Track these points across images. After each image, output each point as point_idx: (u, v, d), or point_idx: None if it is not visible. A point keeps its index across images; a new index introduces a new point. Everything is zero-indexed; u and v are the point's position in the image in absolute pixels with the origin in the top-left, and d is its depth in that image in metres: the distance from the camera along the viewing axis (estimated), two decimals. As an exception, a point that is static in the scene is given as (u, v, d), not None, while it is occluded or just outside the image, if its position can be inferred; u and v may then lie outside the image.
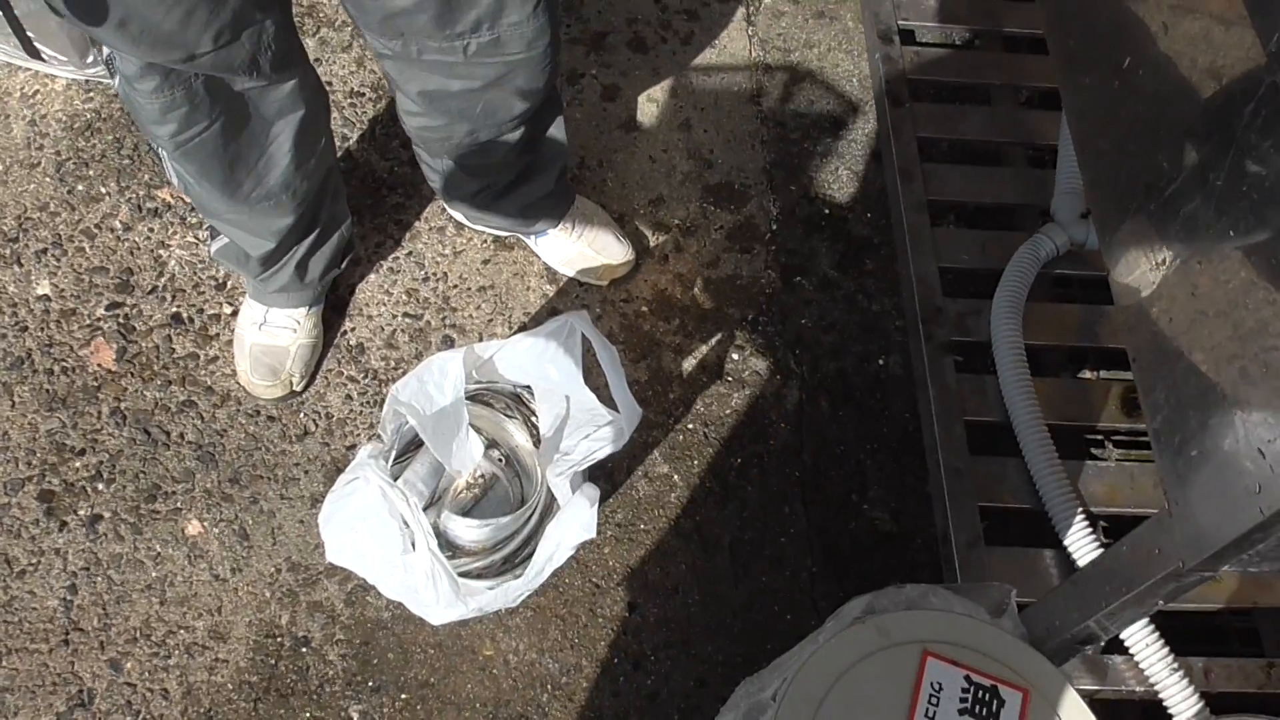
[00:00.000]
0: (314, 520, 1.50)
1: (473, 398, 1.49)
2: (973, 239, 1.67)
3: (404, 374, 1.58)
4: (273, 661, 1.44)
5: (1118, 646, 1.32)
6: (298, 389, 1.60)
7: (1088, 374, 1.64)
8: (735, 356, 1.68)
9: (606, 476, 1.56)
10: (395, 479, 1.33)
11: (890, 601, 1.14)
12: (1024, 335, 1.50)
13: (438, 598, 1.21)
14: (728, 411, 1.64)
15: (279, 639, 1.46)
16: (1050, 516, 1.38)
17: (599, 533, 1.51)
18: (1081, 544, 1.33)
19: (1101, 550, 1.33)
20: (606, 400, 1.37)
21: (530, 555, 1.44)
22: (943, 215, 1.77)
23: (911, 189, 1.69)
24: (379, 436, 1.34)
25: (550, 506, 1.47)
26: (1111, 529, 1.45)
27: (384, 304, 1.69)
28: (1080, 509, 1.35)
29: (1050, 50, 1.09)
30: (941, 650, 1.05)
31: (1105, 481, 1.43)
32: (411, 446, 1.51)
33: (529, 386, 1.48)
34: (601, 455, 1.34)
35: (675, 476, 1.59)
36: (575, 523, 1.25)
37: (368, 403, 1.62)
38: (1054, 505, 1.37)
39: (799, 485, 1.59)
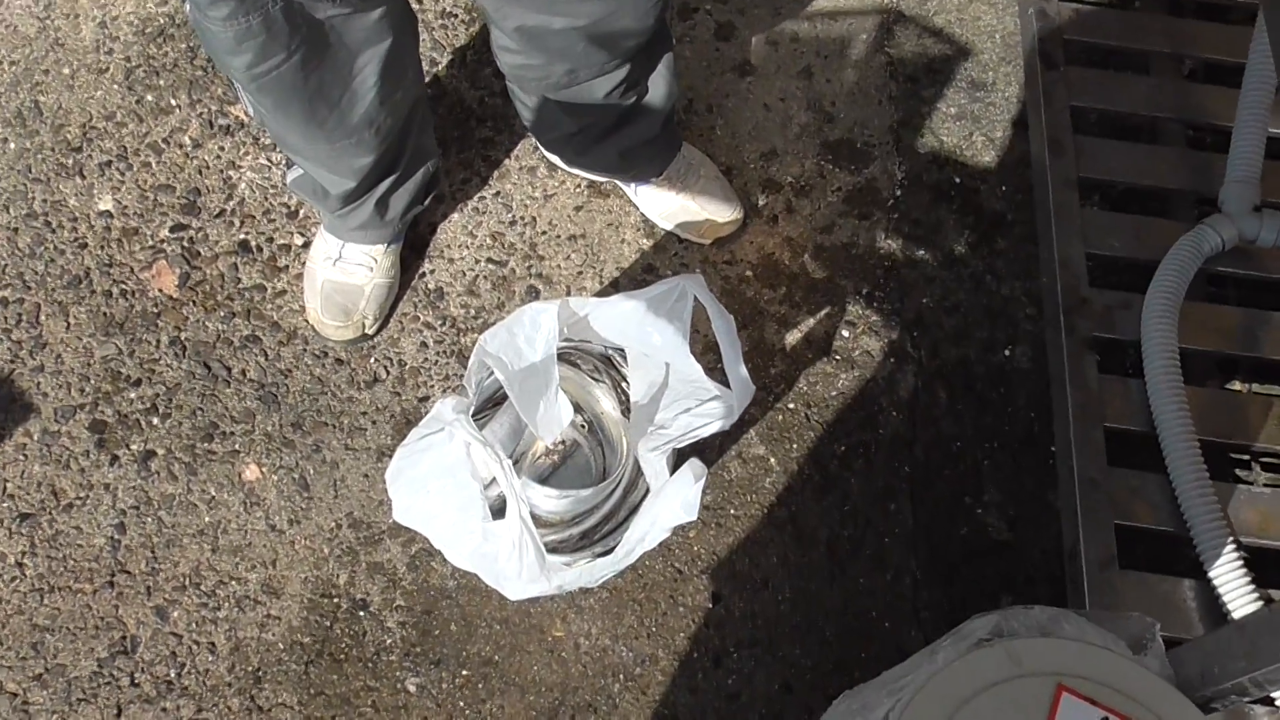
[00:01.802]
0: (380, 475, 1.49)
1: (560, 356, 1.46)
2: (1126, 224, 1.59)
3: (484, 324, 1.58)
4: (327, 623, 1.44)
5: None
6: (370, 332, 1.58)
7: (1238, 385, 1.56)
8: (845, 334, 1.63)
9: (696, 454, 1.53)
10: (473, 439, 1.31)
11: (1020, 624, 1.09)
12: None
13: (521, 570, 1.19)
14: (833, 393, 1.59)
15: (335, 599, 1.45)
16: (1195, 543, 1.32)
17: None
18: (1232, 579, 1.27)
19: (1253, 588, 1.27)
20: (710, 374, 1.33)
21: (609, 532, 1.42)
22: (1089, 195, 1.70)
23: (1061, 163, 1.61)
24: (463, 389, 1.31)
25: (635, 482, 1.44)
26: (1258, 560, 1.38)
27: (467, 247, 1.67)
28: (1231, 539, 1.29)
29: None
30: (1078, 686, 1.00)
31: (1258, 508, 1.37)
32: (489, 404, 1.49)
33: (622, 350, 1.45)
34: (705, 433, 1.31)
35: (772, 460, 1.55)
36: (675, 501, 1.22)
37: (444, 352, 1.59)
38: (1201, 531, 1.30)
39: (907, 481, 1.55)
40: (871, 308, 1.66)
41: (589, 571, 1.26)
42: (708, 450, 1.55)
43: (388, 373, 1.58)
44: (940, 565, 1.50)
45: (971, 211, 1.74)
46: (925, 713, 0.98)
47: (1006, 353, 1.63)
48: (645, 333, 1.31)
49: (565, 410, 1.35)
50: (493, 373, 1.41)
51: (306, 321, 1.60)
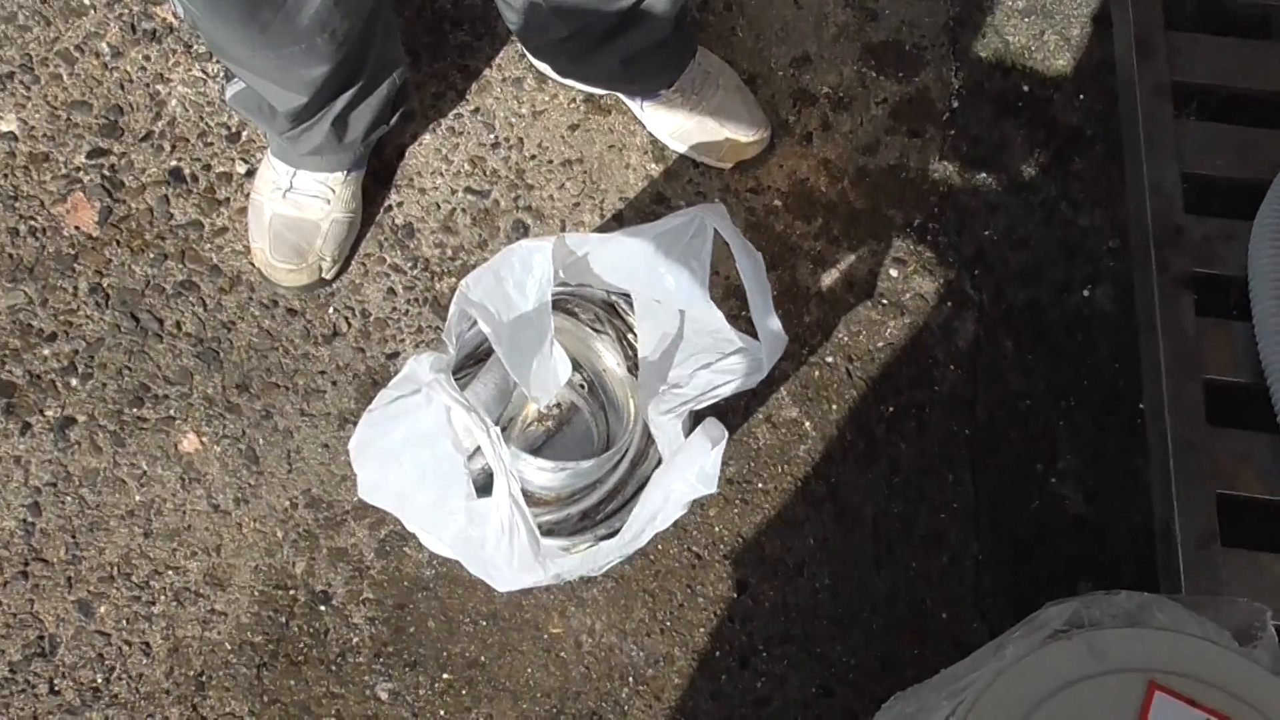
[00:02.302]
0: (342, 445, 1.51)
1: (555, 303, 1.46)
2: (1230, 138, 1.58)
3: (462, 266, 1.58)
4: (283, 619, 1.45)
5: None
6: (328, 276, 1.58)
7: (1363, 329, 1.56)
8: (894, 273, 1.64)
9: (717, 417, 1.53)
10: (452, 401, 1.32)
11: (1103, 612, 1.10)
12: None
13: (512, 557, 1.20)
14: (880, 344, 1.60)
15: (292, 591, 1.46)
16: (1312, 516, 1.32)
17: None
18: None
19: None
20: (733, 323, 1.33)
21: (614, 511, 1.43)
22: (1185, 104, 1.69)
23: (1151, 66, 1.60)
24: (440, 343, 1.32)
25: (645, 452, 1.45)
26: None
27: (441, 174, 1.67)
28: (1356, 509, 1.29)
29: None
30: (1173, 684, 1.01)
31: (1385, 476, 1.37)
32: (471, 361, 1.50)
33: (628, 296, 1.45)
34: (727, 393, 1.31)
35: (807, 423, 1.56)
36: (690, 472, 1.22)
37: (416, 300, 1.60)
38: (1320, 501, 1.31)
39: (968, 447, 1.56)
40: (924, 242, 1.65)
41: (591, 557, 1.27)
42: (730, 413, 1.55)
43: (349, 324, 1.58)
44: (1007, 545, 1.51)
45: (1042, 126, 1.73)
46: (991, 717, 0.99)
47: (1085, 293, 1.64)
48: (656, 275, 1.31)
49: (562, 367, 1.35)
50: (475, 324, 1.41)
51: (252, 264, 1.60)
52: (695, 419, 1.43)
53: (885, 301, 1.62)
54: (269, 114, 1.47)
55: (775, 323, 1.29)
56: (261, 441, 1.52)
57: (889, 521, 1.52)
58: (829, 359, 1.59)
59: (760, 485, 1.53)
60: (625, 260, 1.33)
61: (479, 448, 1.36)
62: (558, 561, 1.25)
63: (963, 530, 1.52)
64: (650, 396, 1.37)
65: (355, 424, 1.38)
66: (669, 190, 1.67)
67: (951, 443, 1.56)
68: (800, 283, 1.62)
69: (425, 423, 1.26)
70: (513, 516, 1.17)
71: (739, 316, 1.55)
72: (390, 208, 1.65)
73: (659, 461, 1.40)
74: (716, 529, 1.51)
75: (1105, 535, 1.52)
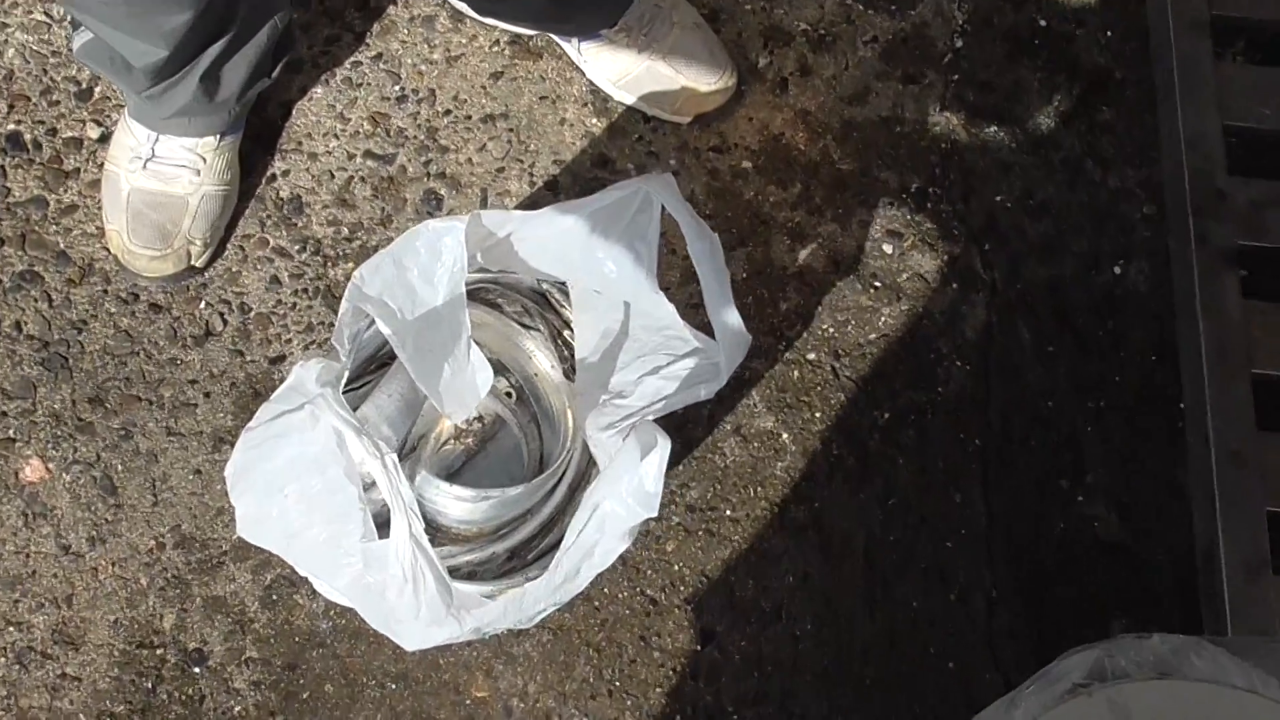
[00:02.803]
0: (218, 471, 1.51)
1: (473, 294, 1.45)
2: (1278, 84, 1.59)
3: (362, 250, 1.60)
4: (149, 684, 1.45)
5: None
6: (198, 263, 1.58)
7: None
8: (888, 249, 1.64)
9: (675, 429, 1.53)
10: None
11: (1130, 661, 1.10)
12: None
13: (418, 609, 1.19)
14: (872, 336, 1.61)
15: (159, 650, 1.46)
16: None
17: (660, 517, 1.50)
18: None
19: None
20: (690, 316, 1.33)
21: (549, 548, 1.42)
22: (1228, 43, 1.70)
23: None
24: (331, 347, 1.31)
25: (587, 474, 1.44)
26: None
27: (336, 136, 1.67)
28: None
29: None
30: (1213, 746, 1.02)
31: None
32: (371, 366, 1.49)
33: (563, 284, 1.45)
34: (680, 402, 1.31)
35: (784, 435, 1.56)
36: (622, 488, 1.21)
37: (305, 291, 1.60)
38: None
39: (978, 460, 1.56)
40: (924, 211, 1.66)
41: (516, 605, 1.26)
42: (691, 424, 1.56)
43: (225, 322, 1.58)
44: (1025, 578, 1.52)
45: (1063, 69, 1.74)
46: (996, 792, 1.00)
47: (1116, 270, 1.64)
48: (594, 259, 1.31)
49: (481, 375, 1.34)
50: (374, 322, 1.40)
51: (107, 250, 1.59)
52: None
53: (878, 284, 1.63)
54: (123, 69, 1.45)
55: (735, 318, 1.29)
56: (120, 467, 1.51)
57: (884, 552, 1.52)
58: (810, 355, 1.59)
59: (728, 512, 1.53)
60: (557, 242, 1.33)
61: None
62: (477, 613, 1.24)
63: (973, 561, 1.52)
64: (590, 407, 1.37)
65: (233, 445, 1.37)
66: (614, 151, 1.67)
67: (959, 455, 1.56)
68: (775, 262, 1.62)
69: (313, 444, 1.25)
70: (415, 562, 1.16)
71: (698, 307, 1.55)
72: (274, 178, 1.64)
73: (603, 486, 1.40)
74: (675, 567, 1.51)
75: (1143, 563, 1.53)
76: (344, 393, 1.36)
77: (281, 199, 1.63)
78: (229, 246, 1.61)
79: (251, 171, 1.64)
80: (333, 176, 1.64)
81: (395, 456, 1.16)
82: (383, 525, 1.27)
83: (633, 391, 1.34)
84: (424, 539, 1.16)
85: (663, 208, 1.30)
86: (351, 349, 1.32)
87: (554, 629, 1.47)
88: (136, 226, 1.55)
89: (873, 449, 1.56)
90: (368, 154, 1.66)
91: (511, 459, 1.50)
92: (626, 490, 1.21)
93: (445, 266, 1.27)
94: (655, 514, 1.22)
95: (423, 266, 1.27)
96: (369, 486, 1.35)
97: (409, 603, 1.19)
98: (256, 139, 1.65)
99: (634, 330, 1.37)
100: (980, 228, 1.66)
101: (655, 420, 1.32)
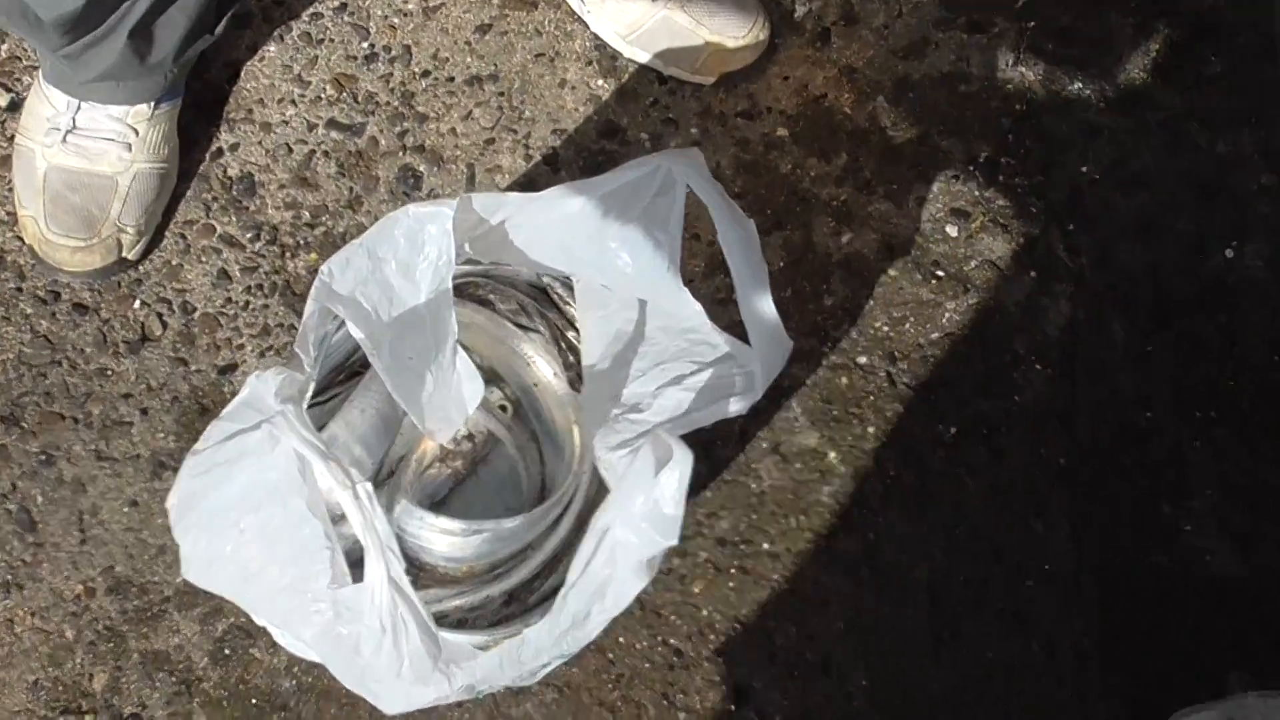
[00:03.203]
0: (158, 502, 1.50)
1: (460, 290, 1.44)
2: None
3: (327, 239, 1.59)
4: (77, 759, 1.45)
5: None
6: (131, 255, 1.57)
7: None
8: (952, 231, 1.63)
9: (701, 449, 1.52)
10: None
11: (1255, 725, 1.10)
12: None
13: (400, 665, 1.17)
14: (935, 335, 1.60)
15: (88, 717, 1.45)
16: None
17: (685, 552, 1.49)
18: None
19: None
20: (718, 315, 1.32)
21: (555, 590, 1.40)
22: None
23: (1313, -75, 1.59)
24: (293, 354, 1.29)
25: (597, 501, 1.42)
26: None
27: (294, 103, 1.66)
28: None
29: None
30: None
31: None
32: (341, 375, 1.49)
33: (567, 279, 1.44)
34: (706, 419, 1.29)
35: (831, 454, 1.55)
36: (638, 517, 1.19)
37: (259, 287, 1.59)
38: None
39: (1063, 481, 1.56)
40: (995, 185, 1.65)
41: (514, 657, 1.24)
42: (721, 442, 1.55)
43: (165, 325, 1.57)
44: (1121, 623, 1.51)
45: (1161, 13, 1.73)
46: None
47: (1227, 254, 1.64)
48: (607, 250, 1.29)
49: (470, 384, 1.33)
50: (344, 324, 1.38)
51: (20, 239, 1.58)
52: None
53: (941, 273, 1.62)
54: (32, 23, 1.42)
55: (774, 318, 1.27)
56: (40, 499, 1.50)
57: (952, 592, 1.52)
58: (861, 359, 1.58)
59: (766, 546, 1.52)
60: (561, 230, 1.31)
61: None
62: (469, 668, 1.22)
63: (1059, 602, 1.52)
64: (600, 423, 1.35)
65: (176, 471, 1.35)
66: (624, 118, 1.67)
67: (1040, 476, 1.56)
68: (818, 248, 1.62)
69: (272, 470, 1.23)
70: (396, 609, 1.14)
71: (727, 302, 1.53)
72: (220, 153, 1.64)
73: (617, 518, 1.38)
74: (704, 611, 1.50)
75: (1265, 604, 1.51)
76: (309, 408, 1.35)
77: (230, 178, 1.62)
78: (167, 235, 1.60)
79: (195, 147, 1.63)
80: (290, 151, 1.64)
81: (369, 485, 1.14)
82: (355, 565, 1.26)
83: (650, 405, 1.33)
84: (405, 582, 1.14)
85: (688, 189, 1.28)
86: (318, 356, 1.30)
87: (560, 686, 1.46)
88: (55, 211, 1.53)
89: (936, 469, 1.55)
90: (331, 124, 1.65)
91: (507, 485, 1.49)
92: (640, 514, 1.19)
93: (428, 259, 1.26)
94: (676, 542, 1.18)
95: (401, 259, 1.25)
96: (339, 520, 1.32)
97: (389, 658, 1.17)
98: (200, 107, 1.64)
99: (652, 332, 1.36)
100: (1062, 204, 1.65)
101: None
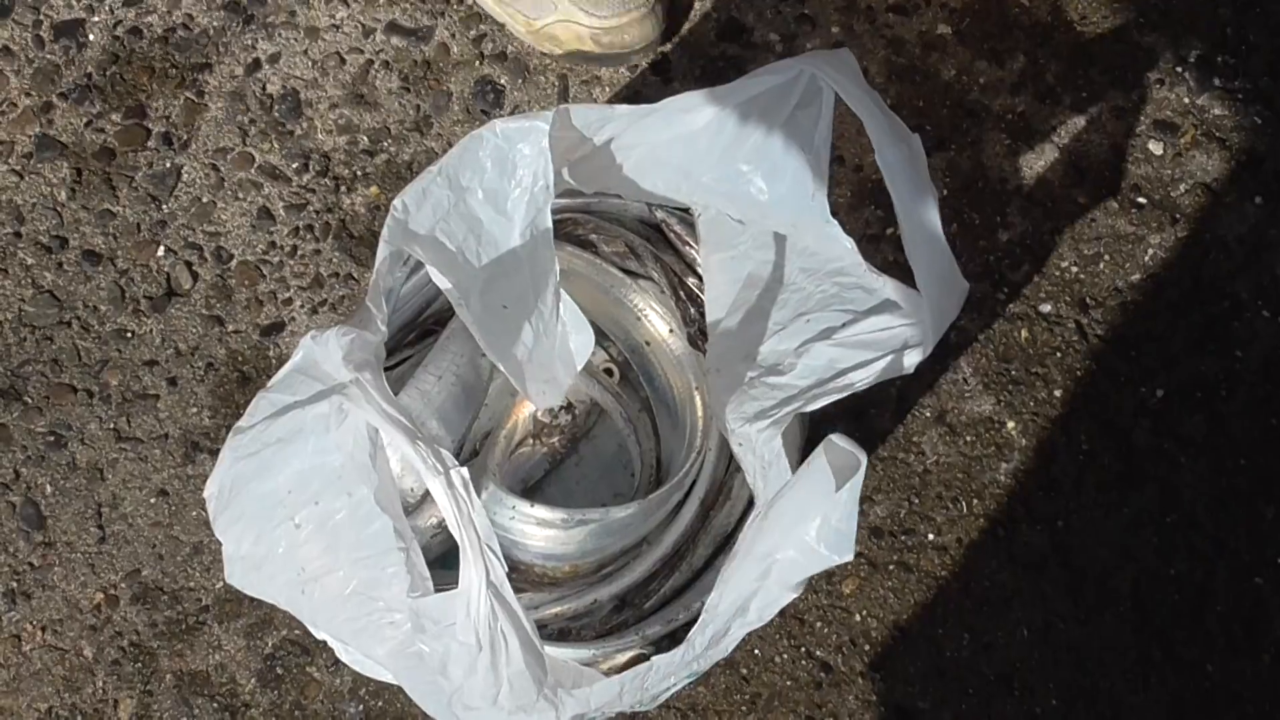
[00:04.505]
0: (194, 493, 1.51)
1: (556, 229, 1.43)
2: None
3: (390, 169, 1.58)
4: (101, 802, 1.45)
5: None
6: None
7: None
8: (1156, 149, 1.61)
9: (851, 419, 1.53)
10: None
11: None
12: None
13: (497, 690, 1.16)
14: (1136, 277, 1.58)
15: (113, 752, 1.47)
16: None
17: None
18: None
19: None
20: (869, 253, 1.29)
21: (674, 594, 1.41)
22: None
23: None
24: (366, 311, 1.29)
25: (726, 486, 1.42)
26: None
27: (346, 2, 1.66)
28: None
29: None
30: None
31: None
32: (410, 335, 1.48)
33: (685, 211, 1.44)
34: (864, 381, 1.27)
35: (1010, 424, 1.54)
36: (805, 527, 1.18)
37: (309, 229, 1.59)
38: None
39: None
40: (1210, 91, 1.63)
41: (638, 685, 1.23)
42: (874, 409, 1.54)
43: (195, 276, 1.58)
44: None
45: None
46: None
47: None
48: (737, 175, 1.29)
49: (579, 336, 1.33)
50: (416, 270, 1.38)
51: (20, 174, 1.60)
52: (812, 429, 1.39)
53: (1142, 200, 1.60)
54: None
55: (946, 256, 1.25)
56: (49, 489, 1.51)
57: (1163, 593, 1.49)
58: (1045, 308, 1.57)
59: (931, 536, 1.51)
60: (681, 149, 1.30)
61: (428, 492, 1.33)
62: (582, 695, 1.21)
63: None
64: (730, 389, 1.34)
65: (213, 454, 1.36)
66: (750, 14, 1.65)
67: (1271, 449, 1.53)
68: (990, 172, 1.60)
69: (335, 453, 1.23)
70: (494, 623, 1.13)
71: (880, 239, 1.52)
72: (258, 65, 1.64)
73: (749, 503, 1.38)
74: (856, 617, 1.49)
75: None
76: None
77: (270, 96, 1.63)
78: (195, 167, 1.61)
79: (225, 57, 1.64)
80: (343, 61, 1.64)
81: (465, 471, 1.13)
82: (438, 562, 1.25)
83: (794, 365, 1.31)
84: (508, 589, 1.13)
85: (836, 98, 1.26)
86: (388, 308, 1.30)
87: (683, 709, 1.46)
88: None
89: (1141, 443, 1.53)
90: (392, 27, 1.65)
91: (615, 466, 1.49)
92: (812, 528, 1.18)
93: (522, 186, 1.26)
94: (850, 558, 1.18)
95: (489, 187, 1.25)
96: (412, 510, 1.33)
97: (485, 681, 1.16)
98: (228, 9, 1.65)
99: (793, 276, 1.35)
100: (1298, 114, 1.61)
101: (823, 410, 1.29)
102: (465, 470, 1.12)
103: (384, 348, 1.23)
